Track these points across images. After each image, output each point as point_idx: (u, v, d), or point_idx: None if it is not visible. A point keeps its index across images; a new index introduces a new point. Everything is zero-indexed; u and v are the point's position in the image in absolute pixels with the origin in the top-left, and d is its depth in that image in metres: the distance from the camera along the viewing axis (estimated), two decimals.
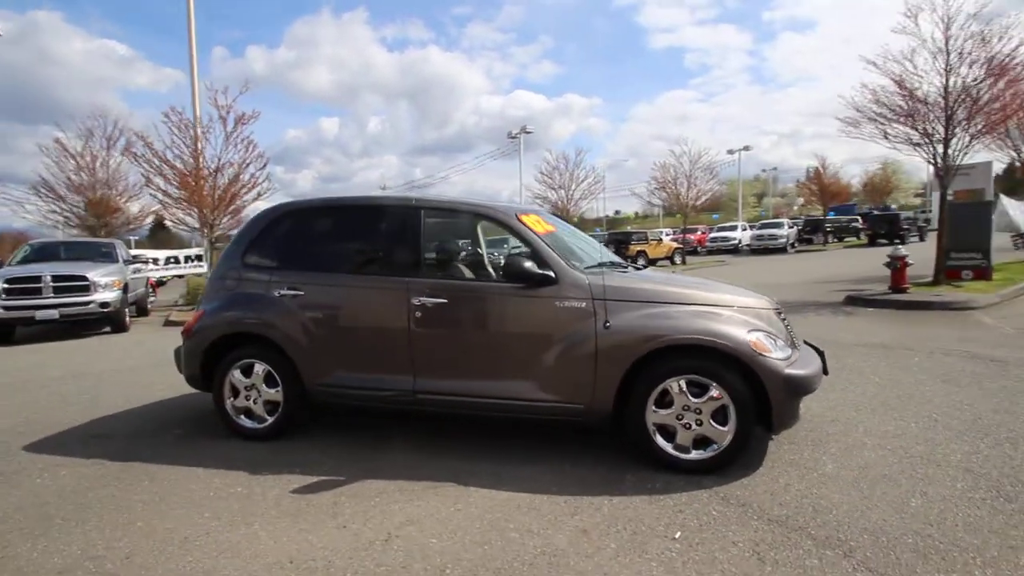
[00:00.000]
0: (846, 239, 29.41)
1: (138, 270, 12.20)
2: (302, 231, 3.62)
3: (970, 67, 8.53)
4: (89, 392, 5.19)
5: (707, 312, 2.93)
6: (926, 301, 7.79)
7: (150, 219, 18.42)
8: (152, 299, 14.06)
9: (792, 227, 27.87)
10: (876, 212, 28.39)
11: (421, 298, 3.18)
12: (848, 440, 3.27)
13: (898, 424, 3.49)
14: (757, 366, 2.75)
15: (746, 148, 37.65)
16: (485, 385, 3.13)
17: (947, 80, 8.67)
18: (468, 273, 3.36)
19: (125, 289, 10.15)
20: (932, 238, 24.44)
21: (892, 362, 5.07)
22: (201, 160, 11.87)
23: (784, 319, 3.23)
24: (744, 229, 29.48)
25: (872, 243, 25.14)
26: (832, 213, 30.61)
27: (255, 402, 3.54)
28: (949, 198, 9.76)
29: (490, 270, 3.66)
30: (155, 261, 15.47)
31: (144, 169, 12.02)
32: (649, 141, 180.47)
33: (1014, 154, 11.86)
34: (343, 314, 3.40)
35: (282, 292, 3.45)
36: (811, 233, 28.74)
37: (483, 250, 3.85)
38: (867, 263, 15.91)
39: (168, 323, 11.15)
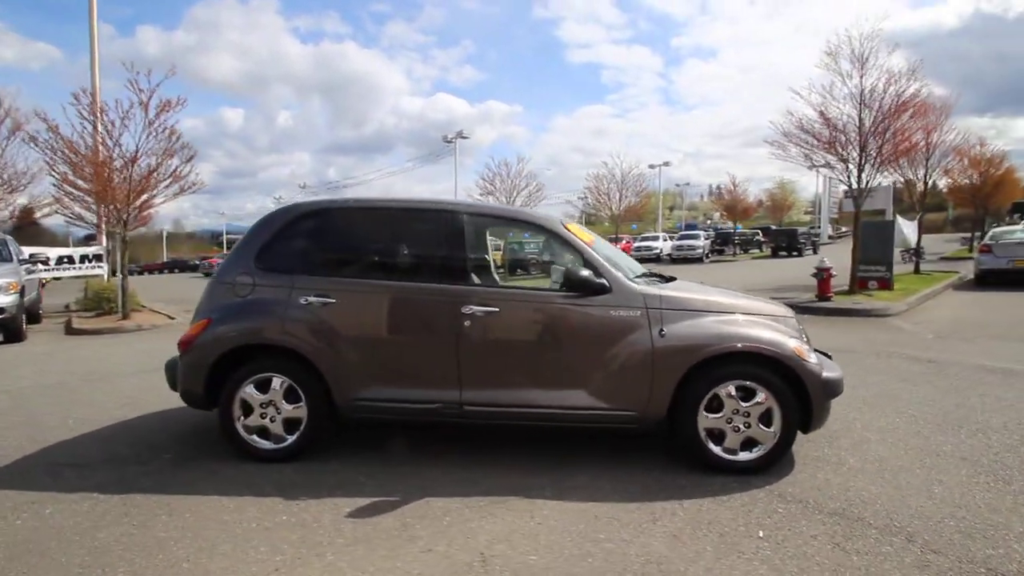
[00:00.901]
0: (751, 251, 32.31)
1: (31, 270, 10.63)
2: (329, 233, 3.35)
3: (880, 103, 9.76)
4: (17, 414, 4.44)
5: (752, 321, 3.11)
6: (850, 309, 8.78)
7: (43, 212, 16.04)
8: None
9: (707, 239, 30.13)
10: (774, 228, 31.50)
11: (471, 307, 3.08)
12: (854, 436, 3.60)
13: (887, 420, 3.90)
14: (801, 371, 2.96)
15: (666, 163, 40.31)
16: (537, 395, 3.09)
17: (861, 113, 9.85)
18: (516, 281, 3.30)
19: (22, 293, 8.80)
20: (823, 251, 27.78)
21: (850, 364, 5.63)
22: (115, 149, 10.56)
23: (801, 327, 3.50)
24: (665, 240, 31.38)
25: (774, 255, 27.85)
26: (739, 227, 33.53)
27: (272, 420, 3.22)
28: (832, 216, 11.11)
29: (538, 278, 3.62)
30: (46, 261, 13.51)
31: (47, 156, 10.46)
32: (568, 152, 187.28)
33: (902, 179, 13.77)
34: (382, 323, 3.20)
35: (309, 299, 3.18)
36: (722, 245, 31.27)
37: (528, 258, 3.81)
38: (777, 273, 17.59)
39: (72, 331, 9.82)
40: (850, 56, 9.73)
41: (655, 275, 3.62)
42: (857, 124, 9.87)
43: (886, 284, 10.62)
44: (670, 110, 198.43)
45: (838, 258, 11.39)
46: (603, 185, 22.46)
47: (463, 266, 3.20)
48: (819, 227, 33.59)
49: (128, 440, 3.72)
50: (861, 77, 9.82)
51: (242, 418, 3.23)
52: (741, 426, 3.01)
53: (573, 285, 3.04)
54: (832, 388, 3.06)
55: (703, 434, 3.02)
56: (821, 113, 10.11)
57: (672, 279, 3.55)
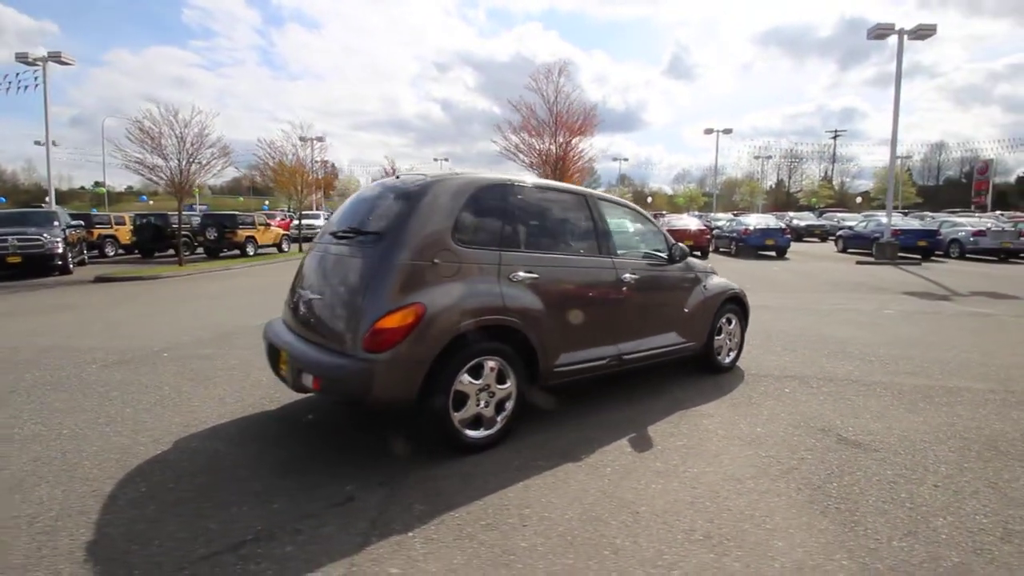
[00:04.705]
0: None
1: None
2: (514, 209, 3.43)
3: (565, 127, 13.68)
4: None
5: (719, 275, 5.04)
6: None
7: None
8: None
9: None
10: None
11: (627, 275, 3.92)
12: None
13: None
14: (746, 301, 5.10)
15: (320, 139, 38.60)
16: (655, 339, 4.19)
17: (556, 133, 13.57)
18: (634, 252, 4.24)
19: None
20: None
21: None
22: None
23: None
24: (326, 218, 31.27)
25: None
26: None
27: (487, 405, 3.20)
28: None
29: (644, 250, 4.46)
30: None
31: None
32: (137, 99, 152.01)
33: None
34: (573, 294, 3.58)
35: (519, 276, 3.28)
36: None
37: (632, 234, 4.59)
38: None
39: None
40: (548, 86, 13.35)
41: None
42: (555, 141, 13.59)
43: None
44: (272, 74, 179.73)
45: None
46: (280, 156, 20.70)
47: (613, 241, 3.97)
48: None
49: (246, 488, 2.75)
50: (555, 103, 13.52)
51: (454, 412, 3.09)
52: (728, 341, 4.95)
53: (681, 257, 4.30)
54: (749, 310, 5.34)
55: (715, 352, 4.81)
56: (533, 127, 13.42)
57: None
